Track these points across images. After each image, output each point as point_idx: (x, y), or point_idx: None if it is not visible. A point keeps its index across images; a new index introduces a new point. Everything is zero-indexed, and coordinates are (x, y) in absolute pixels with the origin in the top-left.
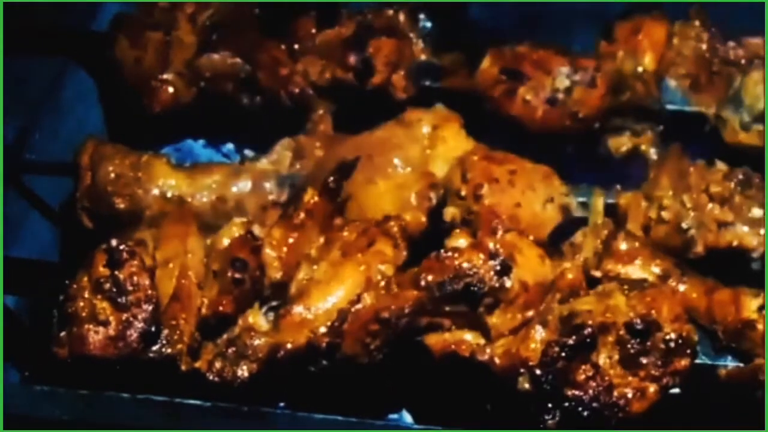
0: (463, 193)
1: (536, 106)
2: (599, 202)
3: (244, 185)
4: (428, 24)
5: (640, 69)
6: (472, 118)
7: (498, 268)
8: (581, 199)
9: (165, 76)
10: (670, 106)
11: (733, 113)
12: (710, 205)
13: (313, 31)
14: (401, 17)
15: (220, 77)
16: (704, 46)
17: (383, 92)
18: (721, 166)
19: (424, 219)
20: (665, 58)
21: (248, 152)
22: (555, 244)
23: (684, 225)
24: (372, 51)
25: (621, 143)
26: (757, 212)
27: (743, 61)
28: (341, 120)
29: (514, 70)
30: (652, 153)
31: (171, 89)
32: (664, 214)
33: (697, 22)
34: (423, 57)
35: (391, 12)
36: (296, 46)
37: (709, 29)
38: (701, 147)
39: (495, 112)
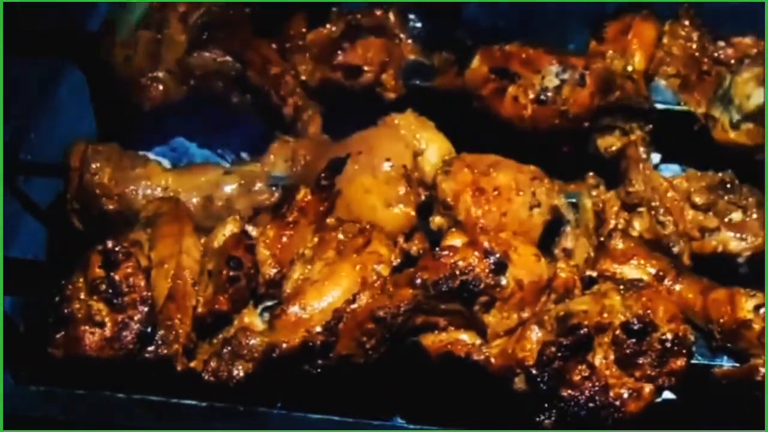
0: (448, 201)
1: (526, 105)
2: (588, 202)
3: (234, 186)
4: (418, 24)
5: (629, 68)
6: (462, 117)
7: (493, 266)
8: (571, 200)
9: (155, 74)
10: (659, 105)
11: (723, 112)
12: (692, 213)
13: (304, 30)
14: (391, 17)
15: (210, 75)
16: (694, 46)
17: (373, 92)
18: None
19: (413, 213)
20: (655, 57)
21: (240, 153)
22: (545, 246)
23: (666, 240)
24: (360, 50)
25: (610, 143)
26: (738, 216)
27: (733, 61)
28: (331, 120)
29: (504, 69)
30: (642, 153)
31: (161, 87)
32: (645, 234)
33: (686, 22)
34: (413, 57)
35: (380, 12)
36: (287, 45)
37: (699, 29)
38: (690, 146)
39: (484, 111)
